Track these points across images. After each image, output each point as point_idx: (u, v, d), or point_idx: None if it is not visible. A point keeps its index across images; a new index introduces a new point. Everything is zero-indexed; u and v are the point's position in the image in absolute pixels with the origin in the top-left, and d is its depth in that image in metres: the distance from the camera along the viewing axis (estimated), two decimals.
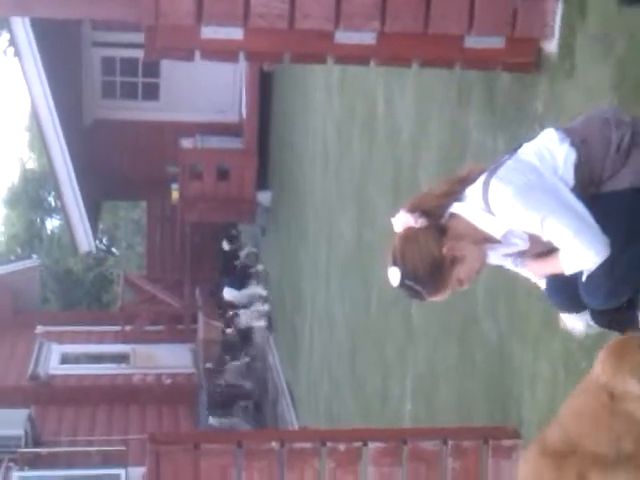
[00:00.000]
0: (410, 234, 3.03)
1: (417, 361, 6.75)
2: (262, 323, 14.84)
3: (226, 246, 17.61)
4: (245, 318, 14.89)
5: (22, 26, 13.61)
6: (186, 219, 16.15)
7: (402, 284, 3.04)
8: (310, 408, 11.49)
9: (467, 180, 3.06)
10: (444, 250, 2.99)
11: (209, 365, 15.18)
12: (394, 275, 3.04)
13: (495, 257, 3.23)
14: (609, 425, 2.69)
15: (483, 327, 5.37)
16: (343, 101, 9.68)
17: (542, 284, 3.34)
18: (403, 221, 3.04)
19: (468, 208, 3.03)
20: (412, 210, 3.03)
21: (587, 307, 3.20)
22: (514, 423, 4.74)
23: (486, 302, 5.33)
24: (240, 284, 16.03)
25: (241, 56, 4.63)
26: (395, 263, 3.04)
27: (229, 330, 14.90)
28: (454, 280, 3.05)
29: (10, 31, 14.38)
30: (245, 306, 15.32)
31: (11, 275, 17.69)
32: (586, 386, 2.85)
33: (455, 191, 3.06)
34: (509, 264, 3.30)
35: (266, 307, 15.21)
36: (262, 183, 15.61)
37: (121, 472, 12.76)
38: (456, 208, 3.05)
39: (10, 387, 15.00)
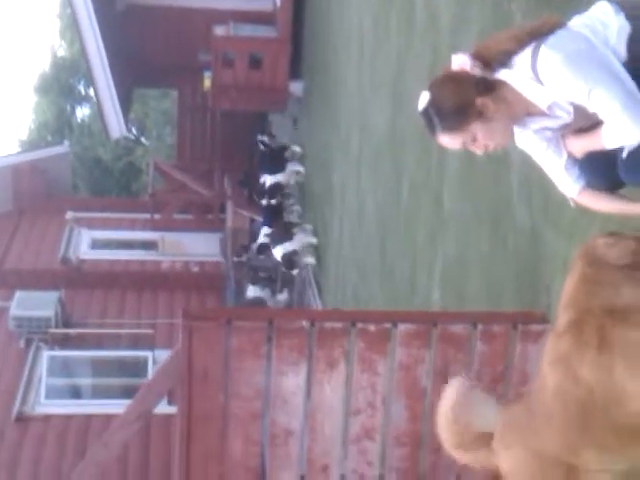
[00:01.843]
0: (459, 75, 3.06)
1: (447, 248, 6.74)
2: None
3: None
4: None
5: None
6: (217, 107, 16.08)
7: (424, 111, 3.12)
8: (337, 298, 11.55)
9: (538, 33, 2.99)
10: (478, 101, 3.02)
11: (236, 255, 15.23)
12: (422, 99, 3.11)
13: (531, 134, 3.19)
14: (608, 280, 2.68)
15: (516, 214, 5.35)
16: None
17: (562, 179, 3.30)
18: (461, 62, 3.05)
19: (516, 76, 2.99)
20: (475, 56, 3.03)
21: (623, 185, 3.18)
22: (543, 309, 4.75)
23: (520, 190, 5.29)
24: (276, 168, 15.80)
25: None
26: (430, 89, 3.10)
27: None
28: (470, 133, 3.09)
29: None
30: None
31: (43, 160, 17.71)
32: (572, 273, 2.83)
33: (523, 44, 2.99)
34: (540, 148, 3.24)
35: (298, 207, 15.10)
36: (295, 73, 15.46)
37: (148, 354, 12.97)
38: (504, 75, 3.01)
39: (41, 270, 15.14)
